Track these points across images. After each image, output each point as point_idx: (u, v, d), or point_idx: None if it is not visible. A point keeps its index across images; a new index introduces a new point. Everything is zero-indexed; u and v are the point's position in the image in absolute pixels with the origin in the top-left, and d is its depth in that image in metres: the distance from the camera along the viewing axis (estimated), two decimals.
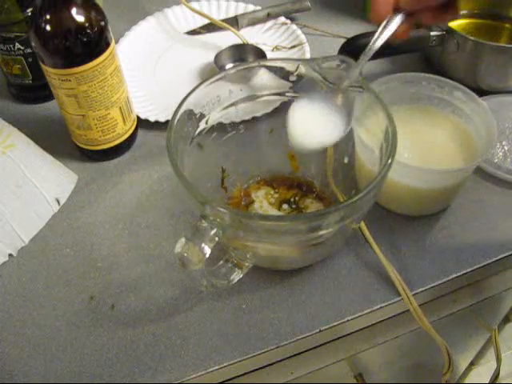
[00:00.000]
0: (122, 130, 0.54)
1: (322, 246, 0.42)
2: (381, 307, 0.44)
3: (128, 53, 0.65)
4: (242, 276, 0.43)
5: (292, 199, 0.50)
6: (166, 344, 0.42)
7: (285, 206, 0.50)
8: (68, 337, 0.43)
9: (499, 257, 0.47)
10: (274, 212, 0.49)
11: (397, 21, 0.40)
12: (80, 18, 0.46)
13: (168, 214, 0.51)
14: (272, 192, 0.51)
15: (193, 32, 0.70)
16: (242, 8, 0.72)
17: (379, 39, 0.40)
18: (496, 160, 0.53)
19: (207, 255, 0.35)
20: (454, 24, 0.66)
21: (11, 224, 0.47)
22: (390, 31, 0.40)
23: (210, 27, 0.70)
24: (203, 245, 0.35)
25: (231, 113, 0.47)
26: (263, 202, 0.50)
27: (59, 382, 0.41)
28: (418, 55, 0.65)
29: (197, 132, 0.45)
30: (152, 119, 0.58)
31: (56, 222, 0.51)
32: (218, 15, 0.71)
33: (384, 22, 0.40)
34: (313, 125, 0.41)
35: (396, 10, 0.40)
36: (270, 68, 0.46)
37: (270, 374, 0.47)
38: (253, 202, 0.50)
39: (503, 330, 0.80)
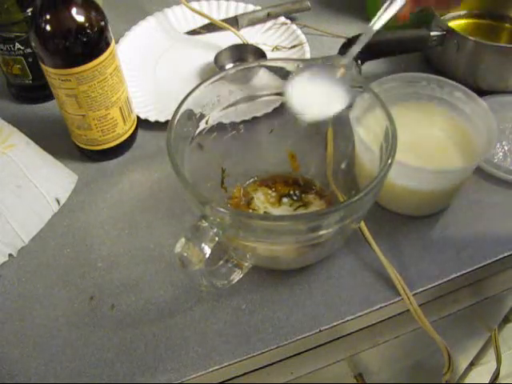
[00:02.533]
0: (121, 130, 0.54)
1: (322, 246, 0.42)
2: (381, 307, 0.44)
3: (128, 53, 0.65)
4: (241, 276, 0.43)
5: (292, 192, 0.50)
6: (166, 344, 0.42)
7: (285, 200, 0.50)
8: (68, 337, 0.43)
9: (499, 257, 0.47)
10: (274, 209, 0.49)
11: (399, 2, 0.41)
12: (80, 18, 0.46)
13: (168, 213, 0.51)
14: (271, 191, 0.51)
15: (193, 32, 0.70)
16: (241, 8, 0.71)
17: (381, 19, 0.42)
18: (496, 160, 0.53)
19: (207, 255, 0.35)
20: (454, 24, 0.66)
21: (11, 224, 0.47)
22: (392, 11, 0.42)
23: (210, 27, 0.70)
24: (203, 245, 0.35)
25: (231, 113, 0.47)
26: (263, 200, 0.50)
27: (59, 382, 0.41)
28: (418, 55, 0.65)
29: (197, 132, 0.45)
30: (152, 119, 0.58)
31: (56, 221, 0.51)
32: (218, 15, 0.71)
33: (386, 3, 0.42)
34: (313, 95, 0.42)
35: None
36: (270, 68, 0.46)
37: (270, 374, 0.47)
38: (253, 201, 0.50)
39: (503, 330, 0.80)
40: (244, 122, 0.50)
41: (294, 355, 0.45)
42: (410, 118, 0.51)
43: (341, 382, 0.69)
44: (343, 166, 0.49)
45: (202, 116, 0.45)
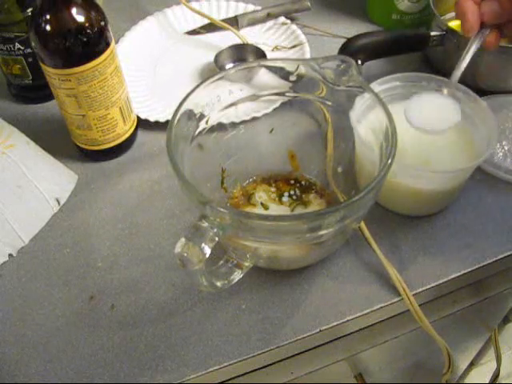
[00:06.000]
0: (121, 130, 0.54)
1: (322, 245, 0.42)
2: (381, 307, 0.44)
3: (128, 53, 0.65)
4: (241, 276, 0.43)
5: (292, 191, 0.50)
6: (166, 344, 0.42)
7: (284, 199, 0.50)
8: (68, 337, 0.43)
9: (499, 257, 0.47)
10: (274, 205, 0.49)
11: (484, 34, 0.48)
12: (80, 18, 0.46)
13: (168, 213, 0.51)
14: (272, 189, 0.51)
15: (193, 32, 0.70)
16: (242, 8, 0.71)
17: (469, 52, 0.49)
18: (496, 160, 0.53)
19: (207, 255, 0.35)
20: (454, 24, 0.66)
21: (11, 224, 0.47)
22: (478, 44, 0.49)
23: (210, 27, 0.70)
24: (203, 245, 0.35)
25: (231, 113, 0.47)
26: (264, 199, 0.50)
27: (59, 382, 0.41)
28: (418, 55, 0.65)
29: (197, 132, 0.45)
30: (152, 119, 0.58)
31: (56, 222, 0.51)
32: (218, 15, 0.71)
33: (473, 37, 0.49)
34: (430, 111, 0.47)
35: (482, 24, 0.48)
36: (270, 68, 0.46)
37: (270, 374, 0.47)
38: (253, 200, 0.50)
39: (503, 330, 0.80)
40: (244, 121, 0.50)
41: (294, 355, 0.45)
42: None
43: (341, 382, 0.69)
44: (343, 165, 0.49)
45: (202, 116, 0.45)
